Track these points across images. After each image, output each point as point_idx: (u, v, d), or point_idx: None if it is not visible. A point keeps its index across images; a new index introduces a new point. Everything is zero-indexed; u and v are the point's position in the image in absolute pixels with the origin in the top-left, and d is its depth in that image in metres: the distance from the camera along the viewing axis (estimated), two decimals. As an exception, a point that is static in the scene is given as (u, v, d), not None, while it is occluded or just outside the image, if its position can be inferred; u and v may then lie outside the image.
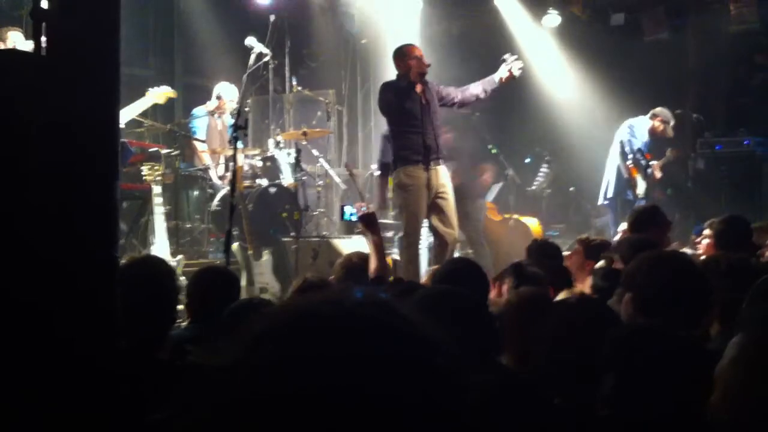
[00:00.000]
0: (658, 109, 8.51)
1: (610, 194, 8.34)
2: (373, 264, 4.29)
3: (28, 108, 2.75)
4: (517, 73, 6.54)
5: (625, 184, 8.25)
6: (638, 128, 8.42)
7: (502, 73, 6.55)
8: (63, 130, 2.89)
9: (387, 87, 6.57)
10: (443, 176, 6.45)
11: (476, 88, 6.63)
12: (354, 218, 4.53)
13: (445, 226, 6.36)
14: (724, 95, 9.78)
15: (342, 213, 4.56)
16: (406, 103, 6.35)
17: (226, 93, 8.15)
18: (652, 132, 8.46)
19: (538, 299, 3.26)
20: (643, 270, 3.06)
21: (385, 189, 7.52)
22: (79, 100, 3.03)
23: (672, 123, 8.48)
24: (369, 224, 4.39)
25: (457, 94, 6.63)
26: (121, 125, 5.87)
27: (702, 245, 5.24)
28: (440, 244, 6.37)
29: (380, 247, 4.32)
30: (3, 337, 2.18)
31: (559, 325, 2.60)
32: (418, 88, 6.35)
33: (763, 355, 1.73)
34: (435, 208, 6.36)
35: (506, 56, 6.63)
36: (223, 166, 8.02)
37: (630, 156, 8.19)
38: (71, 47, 2.87)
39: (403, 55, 6.49)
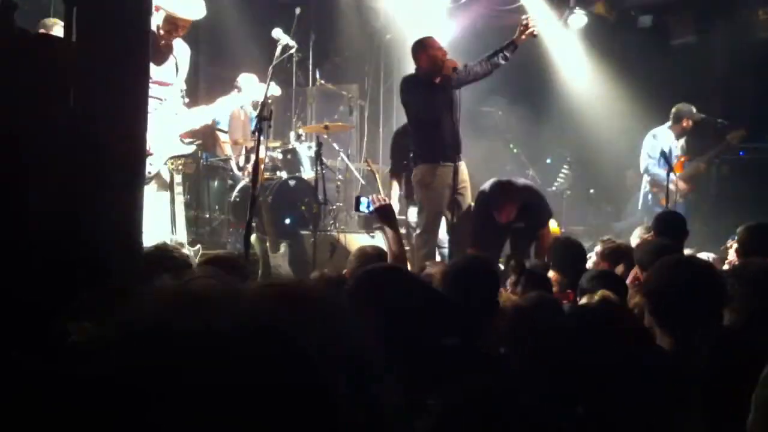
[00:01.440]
0: (677, 109, 8.48)
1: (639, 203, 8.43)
2: (391, 256, 4.27)
3: (59, 92, 2.78)
4: (535, 31, 6.38)
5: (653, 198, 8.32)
6: (662, 139, 8.41)
7: (516, 36, 6.38)
8: (89, 115, 2.92)
9: (408, 81, 6.53)
10: (464, 173, 6.43)
11: (478, 66, 6.41)
12: (368, 209, 4.47)
13: (462, 223, 6.36)
14: (750, 101, 9.67)
15: (357, 203, 4.50)
16: (427, 97, 6.30)
17: (247, 84, 8.15)
18: (682, 133, 8.44)
19: (545, 303, 3.26)
20: (661, 274, 3.06)
21: (395, 188, 7.43)
22: (106, 85, 3.06)
23: (694, 111, 8.46)
24: (385, 216, 4.36)
25: (461, 75, 6.37)
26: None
27: (730, 253, 5.23)
28: (456, 241, 6.35)
29: (398, 239, 4.29)
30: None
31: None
32: (439, 81, 6.30)
33: None
34: (454, 206, 6.35)
35: (522, 18, 6.48)
36: (244, 157, 8.03)
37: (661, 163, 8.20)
38: (101, 34, 2.89)
39: (423, 47, 6.43)
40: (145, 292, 0.83)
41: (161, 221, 5.62)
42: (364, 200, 4.49)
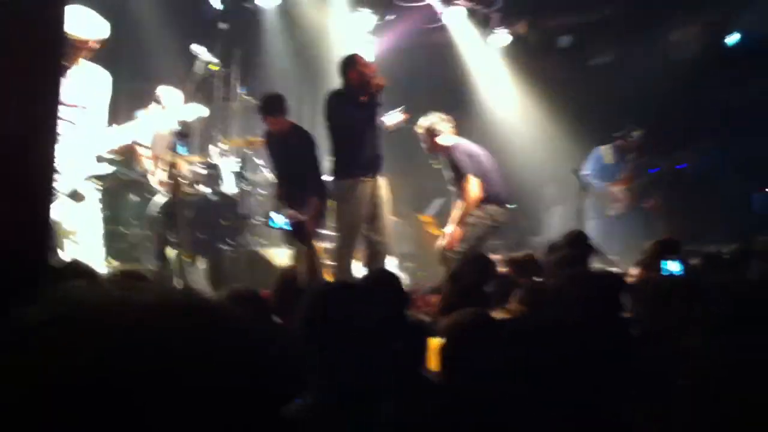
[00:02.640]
0: (629, 129, 8.94)
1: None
2: (305, 273, 4.31)
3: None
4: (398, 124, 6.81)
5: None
6: (605, 154, 8.86)
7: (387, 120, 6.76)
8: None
9: (333, 97, 6.60)
10: (382, 188, 6.53)
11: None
12: (278, 226, 4.49)
13: (379, 236, 6.43)
14: (664, 120, 10.02)
15: (269, 220, 4.52)
16: (352, 113, 6.39)
17: (169, 100, 8.06)
18: (623, 150, 8.86)
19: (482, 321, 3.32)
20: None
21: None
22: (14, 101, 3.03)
23: (633, 133, 8.92)
24: (299, 233, 4.39)
25: None
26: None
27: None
28: (372, 254, 6.43)
29: (310, 255, 4.33)
30: None
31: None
32: (365, 99, 6.39)
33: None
34: (371, 218, 6.43)
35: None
36: (165, 172, 7.96)
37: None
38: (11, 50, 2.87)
39: (351, 64, 6.52)
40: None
41: (93, 240, 5.56)
42: (276, 216, 4.50)
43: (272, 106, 6.85)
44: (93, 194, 5.75)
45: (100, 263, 5.62)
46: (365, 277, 3.95)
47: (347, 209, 6.38)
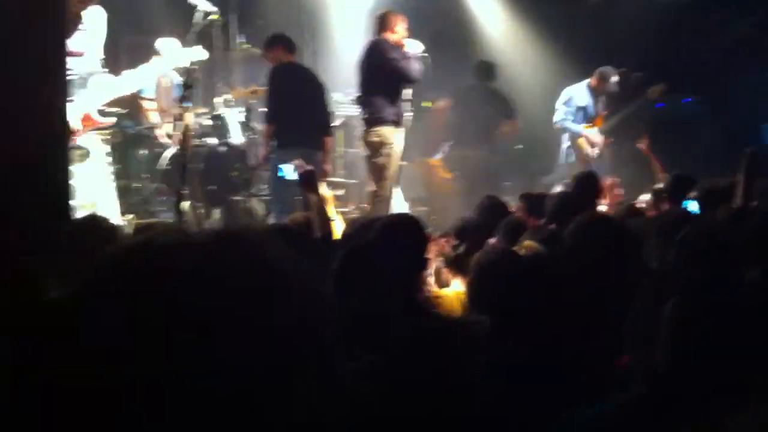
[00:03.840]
0: (600, 69, 8.76)
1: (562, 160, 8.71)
2: (316, 224, 4.26)
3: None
4: None
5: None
6: (578, 93, 8.68)
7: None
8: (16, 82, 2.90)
9: (385, 44, 6.71)
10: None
11: None
12: (289, 176, 4.42)
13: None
14: (663, 56, 9.97)
15: (277, 171, 4.47)
16: (400, 62, 6.59)
17: (167, 49, 7.93)
18: (594, 89, 8.72)
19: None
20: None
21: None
22: (21, 57, 3.03)
23: (613, 79, 8.70)
24: (309, 183, 4.34)
25: None
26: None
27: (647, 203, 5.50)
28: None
29: (320, 206, 4.28)
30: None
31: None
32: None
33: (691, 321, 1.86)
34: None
35: None
36: (171, 125, 7.93)
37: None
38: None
39: (389, 21, 6.79)
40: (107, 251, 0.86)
41: (106, 193, 5.55)
42: (285, 167, 4.44)
43: (281, 41, 6.93)
44: (100, 147, 5.69)
45: (116, 216, 5.63)
46: (389, 221, 3.95)
47: (390, 156, 6.58)
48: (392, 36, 6.73)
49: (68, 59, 5.12)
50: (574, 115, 8.66)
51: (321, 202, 4.31)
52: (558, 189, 6.01)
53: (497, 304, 2.77)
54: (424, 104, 8.65)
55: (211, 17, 6.79)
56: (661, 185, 5.65)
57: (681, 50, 9.84)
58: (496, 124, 8.50)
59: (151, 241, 0.84)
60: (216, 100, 8.46)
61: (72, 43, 5.24)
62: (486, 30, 10.34)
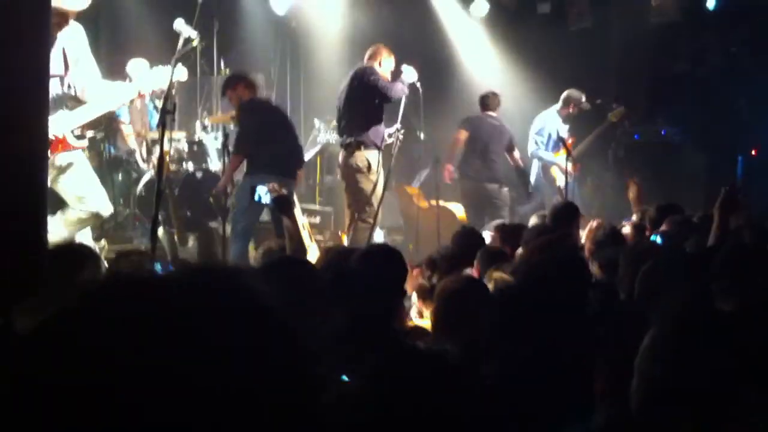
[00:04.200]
0: (566, 94, 8.81)
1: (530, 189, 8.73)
2: (289, 248, 4.26)
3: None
4: None
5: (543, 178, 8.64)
6: (549, 121, 8.73)
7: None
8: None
9: (371, 71, 6.87)
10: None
11: None
12: (263, 200, 4.40)
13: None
14: (644, 84, 10.09)
15: (253, 192, 4.43)
16: (386, 89, 6.77)
17: (136, 71, 7.85)
18: (568, 117, 8.78)
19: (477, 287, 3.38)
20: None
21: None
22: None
23: (583, 99, 8.80)
24: (283, 207, 4.34)
25: None
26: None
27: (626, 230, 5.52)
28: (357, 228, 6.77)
29: (295, 230, 4.27)
30: None
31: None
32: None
33: (677, 348, 1.85)
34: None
35: None
36: (146, 149, 7.90)
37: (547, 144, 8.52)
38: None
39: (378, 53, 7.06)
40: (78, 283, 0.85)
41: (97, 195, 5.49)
42: (261, 188, 4.41)
43: (241, 79, 7.04)
44: (79, 158, 5.58)
45: (108, 210, 5.55)
46: (369, 251, 3.95)
47: (372, 181, 6.73)
48: (378, 67, 6.93)
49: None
50: (546, 143, 8.73)
51: (294, 227, 4.28)
52: (533, 220, 6.02)
53: (459, 333, 2.79)
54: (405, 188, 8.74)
55: (192, 43, 6.78)
56: (636, 216, 5.68)
57: (663, 77, 9.97)
58: (500, 155, 8.51)
59: (120, 282, 0.83)
60: (195, 124, 8.46)
61: (51, 65, 5.21)
62: (470, 58, 10.42)
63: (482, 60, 10.37)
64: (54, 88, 5.30)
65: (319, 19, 9.92)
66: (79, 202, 5.39)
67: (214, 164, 7.77)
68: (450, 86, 10.13)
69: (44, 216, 3.73)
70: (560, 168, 8.38)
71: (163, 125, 5.66)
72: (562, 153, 7.90)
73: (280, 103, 7.78)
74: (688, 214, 5.58)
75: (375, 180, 6.78)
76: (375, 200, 6.77)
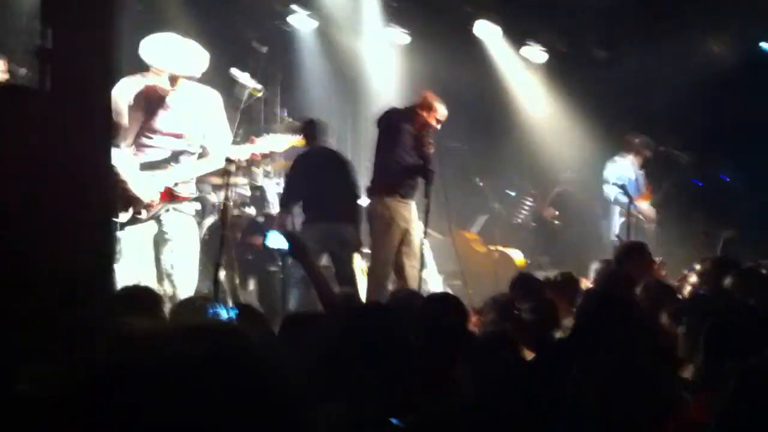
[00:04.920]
0: (639, 141, 8.83)
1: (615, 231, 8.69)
2: (319, 296, 3.82)
3: (33, 140, 2.87)
4: None
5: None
6: (626, 169, 8.79)
7: None
8: (66, 162, 3.00)
9: (409, 114, 6.70)
10: (413, 210, 6.69)
11: None
12: (276, 245, 3.88)
13: (411, 259, 6.55)
14: (702, 130, 9.97)
15: (264, 238, 3.93)
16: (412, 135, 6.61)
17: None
18: (645, 163, 8.78)
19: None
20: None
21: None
22: (77, 133, 3.15)
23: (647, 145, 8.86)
24: (298, 251, 3.95)
25: None
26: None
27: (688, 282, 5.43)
28: (404, 277, 6.56)
29: (317, 275, 3.91)
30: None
31: None
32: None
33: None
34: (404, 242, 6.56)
35: None
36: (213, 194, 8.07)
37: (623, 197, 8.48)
38: (73, 84, 2.99)
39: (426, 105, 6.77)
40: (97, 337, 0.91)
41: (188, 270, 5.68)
42: (272, 234, 3.90)
43: (307, 127, 7.03)
44: (188, 224, 5.79)
45: (190, 291, 5.70)
46: (429, 299, 3.97)
47: (388, 229, 6.51)
48: (424, 113, 6.70)
49: (158, 138, 5.49)
50: (626, 188, 8.70)
51: (315, 270, 3.96)
52: (595, 266, 5.96)
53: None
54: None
55: (253, 93, 6.98)
56: (698, 267, 5.58)
57: (722, 122, 9.86)
58: None
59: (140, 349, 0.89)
60: (255, 170, 8.62)
61: (169, 124, 5.52)
62: (525, 107, 10.46)
63: (537, 104, 10.40)
64: (167, 144, 5.59)
65: (377, 69, 10.09)
66: (168, 266, 5.60)
67: (275, 209, 7.91)
68: (506, 131, 10.16)
69: (111, 260, 3.86)
70: (645, 215, 8.40)
71: (227, 173, 5.84)
72: (644, 200, 7.95)
73: (338, 148, 7.82)
74: (748, 263, 5.47)
75: (389, 229, 6.52)
76: (385, 252, 6.54)
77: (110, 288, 3.95)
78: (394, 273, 6.60)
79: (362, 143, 10.00)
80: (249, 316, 3.48)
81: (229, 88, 7.28)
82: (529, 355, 3.70)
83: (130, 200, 5.50)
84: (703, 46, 9.80)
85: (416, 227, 6.64)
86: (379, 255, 6.54)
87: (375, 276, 6.56)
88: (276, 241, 3.87)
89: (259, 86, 6.88)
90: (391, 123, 6.68)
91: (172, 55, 5.46)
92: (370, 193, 6.75)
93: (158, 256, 5.64)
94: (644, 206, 8.64)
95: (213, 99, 5.73)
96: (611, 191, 8.70)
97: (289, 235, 3.82)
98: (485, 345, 3.25)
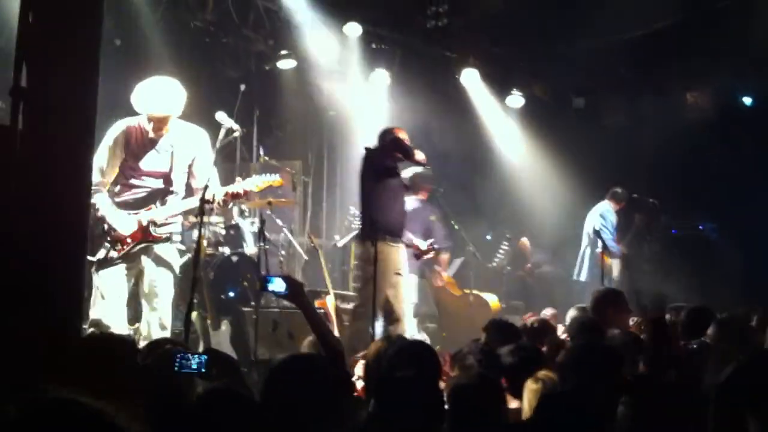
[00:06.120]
0: (619, 191, 9.01)
1: (583, 277, 8.75)
2: (318, 340, 3.75)
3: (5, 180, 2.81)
4: None
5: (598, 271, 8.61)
6: (607, 214, 8.96)
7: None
8: (38, 202, 2.94)
9: (383, 155, 6.65)
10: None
11: None
12: (276, 289, 3.80)
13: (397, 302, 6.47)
14: (679, 180, 10.08)
15: (264, 282, 3.84)
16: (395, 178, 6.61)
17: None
18: (618, 209, 8.99)
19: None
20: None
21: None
22: (53, 173, 3.10)
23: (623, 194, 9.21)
24: (296, 296, 3.81)
25: None
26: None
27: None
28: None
29: (316, 320, 3.80)
30: None
31: None
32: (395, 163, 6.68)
33: None
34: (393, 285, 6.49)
35: None
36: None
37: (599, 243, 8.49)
38: (48, 123, 2.94)
39: (390, 132, 6.76)
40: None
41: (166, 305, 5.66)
42: (274, 280, 3.89)
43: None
44: (173, 256, 5.78)
45: (122, 324, 5.64)
46: (403, 347, 3.87)
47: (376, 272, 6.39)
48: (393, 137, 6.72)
49: (143, 177, 5.50)
50: (606, 234, 8.82)
51: (312, 315, 3.81)
52: (573, 312, 5.92)
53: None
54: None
55: (234, 134, 6.94)
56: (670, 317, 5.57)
57: (698, 173, 9.97)
58: None
59: None
60: (232, 209, 8.55)
61: (154, 163, 5.54)
62: (504, 153, 10.54)
63: (517, 151, 10.47)
64: (153, 184, 5.59)
65: (357, 109, 10.12)
66: (143, 306, 5.60)
67: (250, 248, 7.84)
68: (484, 175, 10.20)
69: (79, 303, 3.78)
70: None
71: (201, 212, 5.77)
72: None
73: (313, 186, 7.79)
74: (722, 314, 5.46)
75: (378, 271, 6.32)
76: (369, 294, 6.35)
77: (77, 330, 3.87)
78: (381, 315, 6.53)
79: (337, 183, 9.98)
80: (218, 362, 3.39)
81: (207, 126, 7.26)
82: (512, 402, 3.67)
83: (107, 238, 5.47)
84: (683, 99, 9.94)
85: (406, 270, 6.67)
86: (367, 297, 6.49)
87: (360, 317, 6.51)
88: (277, 285, 3.80)
89: (236, 126, 6.85)
90: (372, 165, 6.66)
91: (155, 98, 5.47)
92: (362, 236, 6.71)
93: (133, 295, 5.58)
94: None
95: (199, 137, 5.74)
96: (606, 234, 8.74)
97: (287, 278, 3.78)
98: (473, 395, 3.18)
